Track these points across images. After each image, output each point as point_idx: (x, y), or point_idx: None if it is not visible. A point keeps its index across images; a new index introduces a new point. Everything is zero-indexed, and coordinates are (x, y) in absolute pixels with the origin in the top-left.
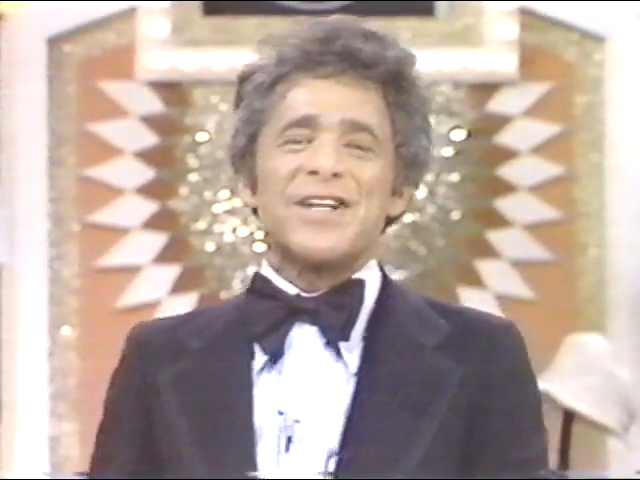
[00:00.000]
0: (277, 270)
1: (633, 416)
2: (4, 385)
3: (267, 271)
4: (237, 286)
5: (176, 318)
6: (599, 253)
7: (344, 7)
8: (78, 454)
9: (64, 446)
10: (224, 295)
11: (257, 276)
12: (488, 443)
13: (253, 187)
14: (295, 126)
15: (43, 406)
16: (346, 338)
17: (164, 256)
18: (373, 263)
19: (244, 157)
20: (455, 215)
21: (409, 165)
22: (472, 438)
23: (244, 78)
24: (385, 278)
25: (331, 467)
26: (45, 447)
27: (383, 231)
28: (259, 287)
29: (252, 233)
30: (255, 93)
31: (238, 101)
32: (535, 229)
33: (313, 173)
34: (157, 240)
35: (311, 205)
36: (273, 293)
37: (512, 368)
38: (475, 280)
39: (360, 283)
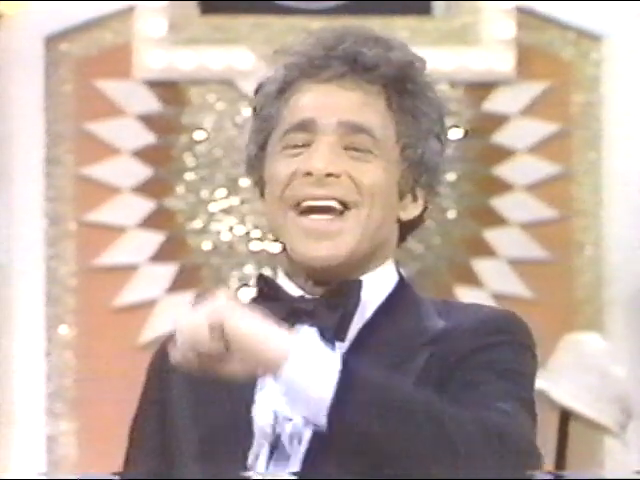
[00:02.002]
0: (287, 273)
1: (630, 415)
2: (1, 384)
3: (279, 274)
4: (234, 285)
5: None
6: (596, 252)
7: (341, 6)
8: (75, 453)
9: (61, 445)
10: None
11: (260, 277)
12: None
13: (263, 194)
14: (294, 130)
15: (40, 405)
16: (341, 339)
17: (161, 255)
18: (389, 265)
19: (254, 165)
20: (452, 214)
21: (416, 168)
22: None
23: (257, 90)
24: (401, 280)
25: None
26: (42, 446)
27: (403, 237)
28: (261, 288)
29: (248, 232)
30: (264, 102)
31: (253, 113)
32: (532, 228)
33: (308, 175)
34: (154, 239)
35: (309, 211)
36: (275, 295)
37: (486, 340)
38: (472, 279)
39: (356, 284)
